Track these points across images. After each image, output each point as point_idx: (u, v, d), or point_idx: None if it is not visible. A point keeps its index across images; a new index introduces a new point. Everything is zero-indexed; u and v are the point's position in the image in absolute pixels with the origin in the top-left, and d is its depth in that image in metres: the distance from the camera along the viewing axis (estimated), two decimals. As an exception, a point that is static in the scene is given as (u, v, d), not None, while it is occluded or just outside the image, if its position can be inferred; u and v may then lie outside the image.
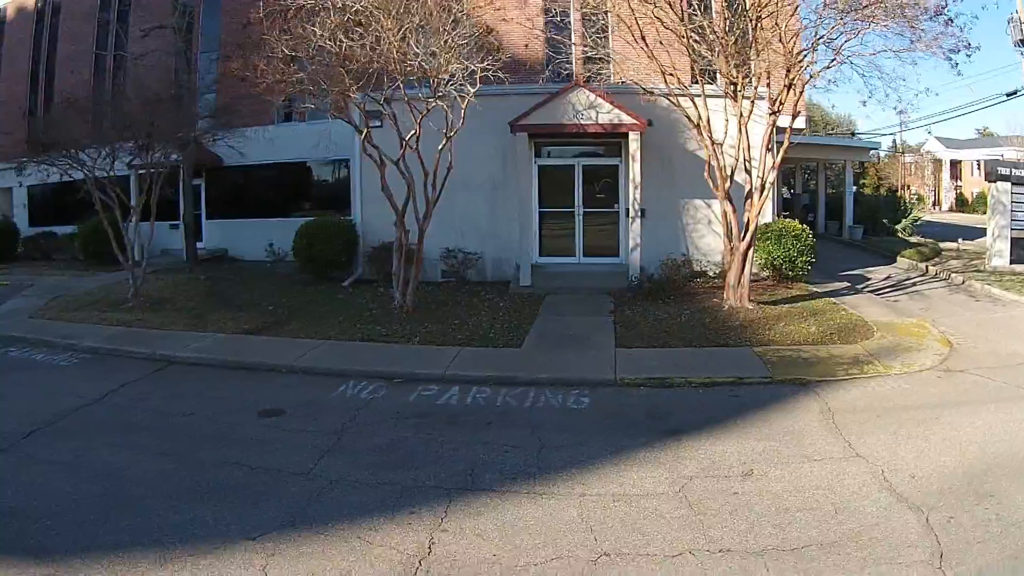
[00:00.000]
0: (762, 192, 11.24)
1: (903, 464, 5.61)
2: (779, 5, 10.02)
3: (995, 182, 19.64)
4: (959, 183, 69.00)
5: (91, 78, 24.89)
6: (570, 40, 15.54)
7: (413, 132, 10.50)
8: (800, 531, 4.56)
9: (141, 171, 18.00)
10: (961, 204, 66.09)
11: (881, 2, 10.13)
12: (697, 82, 11.81)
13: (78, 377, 8.91)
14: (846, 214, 24.60)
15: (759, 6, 10.03)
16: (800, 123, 16.00)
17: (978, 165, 59.77)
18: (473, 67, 9.37)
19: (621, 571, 4.13)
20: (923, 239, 24.71)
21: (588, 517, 4.80)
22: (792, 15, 10.40)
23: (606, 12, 11.61)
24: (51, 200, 25.77)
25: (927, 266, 18.82)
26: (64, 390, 8.24)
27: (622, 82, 12.75)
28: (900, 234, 24.59)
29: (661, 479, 5.41)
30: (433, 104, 10.19)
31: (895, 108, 16.05)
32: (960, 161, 68.76)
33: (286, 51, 9.84)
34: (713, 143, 11.08)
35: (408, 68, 9.51)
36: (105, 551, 4.53)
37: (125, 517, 4.98)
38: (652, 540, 4.48)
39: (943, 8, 10.84)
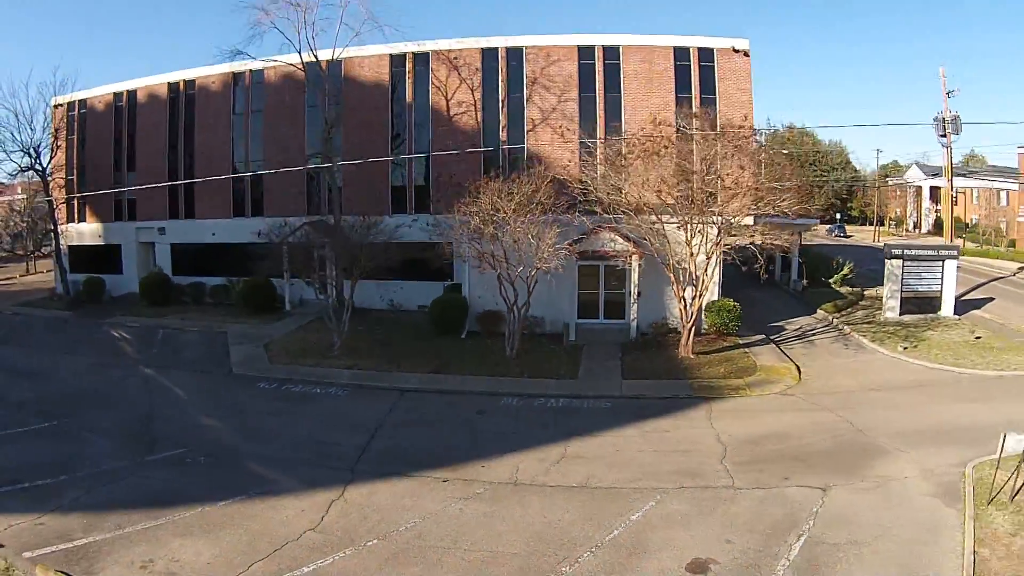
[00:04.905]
0: (702, 295, 22.64)
1: (730, 431, 16.86)
2: (722, 203, 21.46)
3: (891, 259, 30.62)
4: (938, 207, 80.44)
5: (229, 164, 35.92)
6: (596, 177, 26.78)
7: (529, 272, 21.79)
8: (681, 446, 15.92)
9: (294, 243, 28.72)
10: (939, 227, 77.59)
11: (784, 191, 21.52)
12: (673, 216, 23.01)
13: (360, 402, 19.67)
14: (792, 270, 35.94)
15: (704, 205, 21.46)
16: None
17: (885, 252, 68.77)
18: (566, 250, 20.74)
19: (628, 453, 15.43)
20: (852, 289, 35.96)
21: (616, 441, 16.19)
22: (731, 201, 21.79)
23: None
24: (194, 256, 36.66)
25: (833, 318, 30.18)
26: (362, 409, 18.93)
27: (629, 217, 24.00)
28: (833, 286, 35.96)
29: (635, 431, 16.88)
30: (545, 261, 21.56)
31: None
32: (939, 188, 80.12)
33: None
34: (673, 271, 22.43)
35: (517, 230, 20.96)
36: (478, 458, 15.20)
37: (475, 448, 15.85)
38: (634, 447, 15.87)
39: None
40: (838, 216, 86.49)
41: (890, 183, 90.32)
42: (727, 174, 21.68)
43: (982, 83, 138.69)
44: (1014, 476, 13.09)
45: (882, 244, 69.59)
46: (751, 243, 21.68)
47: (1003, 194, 71.53)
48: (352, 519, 12.51)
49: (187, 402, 20.11)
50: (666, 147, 22.12)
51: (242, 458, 15.51)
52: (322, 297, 26.54)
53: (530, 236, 20.88)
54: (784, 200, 21.47)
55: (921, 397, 19.75)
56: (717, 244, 22.74)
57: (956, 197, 73.70)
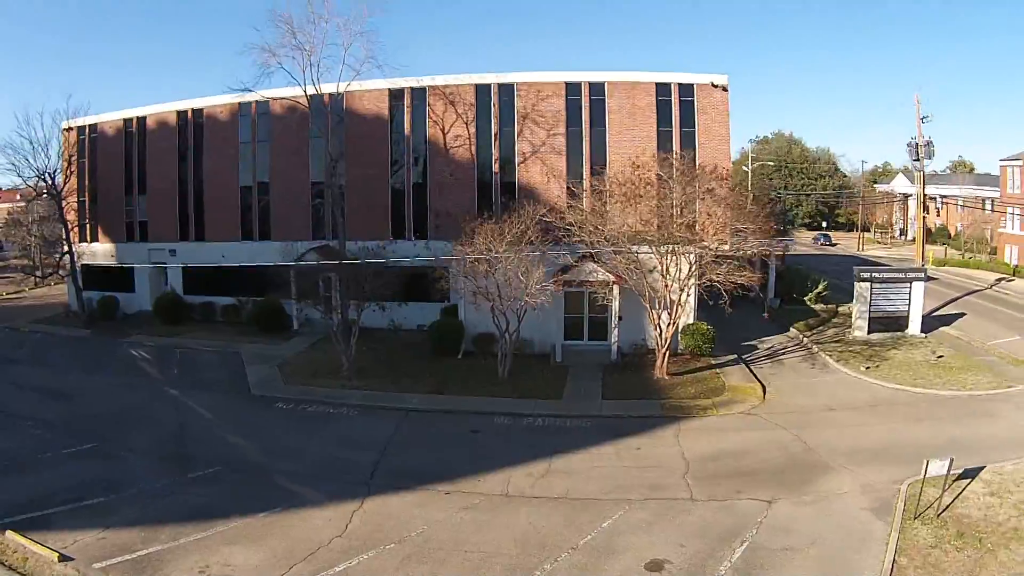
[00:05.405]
0: (675, 323, 25.39)
1: (694, 448, 19.61)
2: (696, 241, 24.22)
3: (860, 282, 33.35)
4: (924, 214, 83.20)
5: (236, 189, 38.57)
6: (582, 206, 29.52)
7: (519, 304, 24.47)
8: (649, 462, 18.69)
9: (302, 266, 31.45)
10: (925, 234, 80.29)
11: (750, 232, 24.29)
12: (650, 250, 25.73)
13: (370, 421, 22.34)
14: (769, 289, 38.71)
15: (676, 242, 24.19)
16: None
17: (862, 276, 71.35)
18: (552, 288, 23.46)
19: (603, 469, 18.20)
20: (826, 306, 38.66)
21: (593, 458, 18.94)
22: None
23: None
24: (204, 277, 39.20)
25: (804, 337, 32.90)
26: (372, 428, 21.60)
27: (612, 248, 26.71)
28: (808, 303, 38.75)
29: (611, 449, 19.64)
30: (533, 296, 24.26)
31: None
32: (925, 195, 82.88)
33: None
34: (649, 301, 25.14)
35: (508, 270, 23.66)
36: (474, 473, 17.91)
37: (472, 463, 18.54)
38: (609, 463, 18.63)
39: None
40: (824, 224, 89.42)
41: (877, 189, 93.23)
42: (695, 220, 24.54)
43: (978, 83, 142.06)
44: (941, 495, 15.48)
45: (867, 253, 72.82)
46: (715, 281, 24.37)
47: (988, 202, 74.33)
48: (371, 527, 15.21)
49: (214, 422, 22.71)
50: (640, 195, 24.93)
51: (271, 475, 18.16)
52: (326, 317, 29.03)
53: (519, 274, 23.63)
54: (748, 241, 24.34)
55: (874, 417, 22.36)
56: (688, 278, 25.50)
57: (940, 208, 76.84)
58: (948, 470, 15.43)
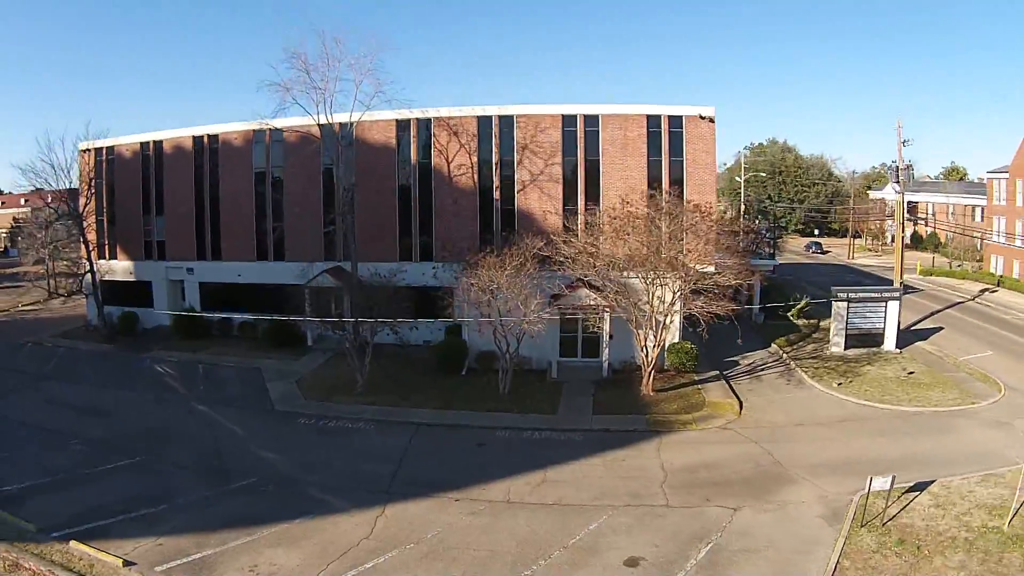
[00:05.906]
0: (660, 345, 28.27)
1: (673, 460, 22.48)
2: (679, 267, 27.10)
3: (837, 302, 36.04)
4: (916, 221, 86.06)
5: (252, 212, 41.37)
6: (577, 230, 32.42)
7: (519, 328, 27.36)
8: (633, 472, 21.56)
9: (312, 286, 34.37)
10: (916, 241, 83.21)
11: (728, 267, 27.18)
12: (637, 277, 28.66)
13: (384, 435, 25.14)
14: (755, 304, 41.61)
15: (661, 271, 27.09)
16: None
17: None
18: (549, 314, 26.37)
19: (592, 478, 21.08)
20: (808, 320, 41.45)
21: (583, 468, 21.85)
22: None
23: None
24: (221, 293, 42.02)
25: (784, 353, 35.69)
26: (387, 441, 24.48)
27: (603, 276, 29.59)
28: (791, 318, 41.61)
29: (599, 460, 22.54)
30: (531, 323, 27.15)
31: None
32: (916, 203, 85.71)
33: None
34: (636, 324, 28.02)
35: (509, 302, 26.56)
36: (480, 482, 20.80)
37: (478, 473, 21.44)
38: (597, 473, 21.53)
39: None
40: (816, 231, 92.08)
41: (870, 195, 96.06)
42: (680, 252, 27.49)
43: (977, 86, 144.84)
44: (886, 506, 17.86)
45: (856, 262, 75.61)
46: (694, 311, 27.26)
47: (978, 210, 76.84)
48: (393, 530, 18.08)
49: (244, 437, 25.50)
50: (629, 231, 27.87)
51: (302, 485, 20.99)
52: (340, 334, 31.84)
53: (519, 303, 26.53)
54: (724, 276, 27.35)
55: (840, 432, 24.96)
56: (671, 304, 28.38)
57: (928, 217, 79.45)
58: (891, 486, 17.78)
